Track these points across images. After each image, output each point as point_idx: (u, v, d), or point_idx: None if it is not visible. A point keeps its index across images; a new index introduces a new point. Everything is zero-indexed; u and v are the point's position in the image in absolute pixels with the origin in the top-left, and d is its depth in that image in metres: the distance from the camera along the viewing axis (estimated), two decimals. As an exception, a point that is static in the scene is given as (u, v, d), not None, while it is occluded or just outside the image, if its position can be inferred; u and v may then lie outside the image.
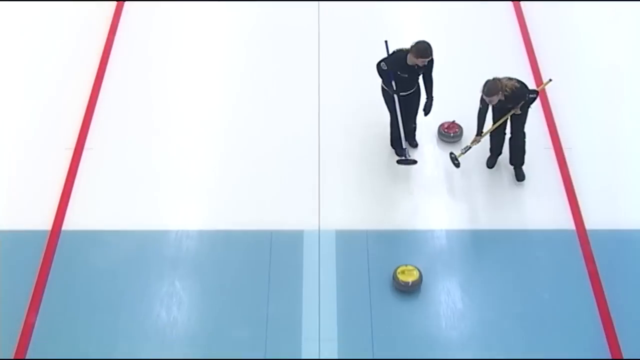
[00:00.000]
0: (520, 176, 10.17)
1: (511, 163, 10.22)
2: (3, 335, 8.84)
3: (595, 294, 9.17)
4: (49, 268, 9.40)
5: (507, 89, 9.50)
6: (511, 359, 8.62)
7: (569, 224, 9.81)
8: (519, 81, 9.63)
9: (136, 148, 10.65)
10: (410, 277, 9.20)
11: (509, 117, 9.87)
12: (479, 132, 9.88)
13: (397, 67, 9.74)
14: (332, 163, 10.46)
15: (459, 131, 10.57)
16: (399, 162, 10.27)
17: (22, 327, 8.90)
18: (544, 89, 10.64)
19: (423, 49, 9.55)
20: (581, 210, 9.93)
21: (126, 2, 12.47)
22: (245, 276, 9.39)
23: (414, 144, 10.44)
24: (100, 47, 11.83)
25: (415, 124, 10.28)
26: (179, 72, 11.58)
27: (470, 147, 9.97)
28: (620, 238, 9.72)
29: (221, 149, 10.67)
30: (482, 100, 9.67)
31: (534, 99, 9.80)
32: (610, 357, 8.71)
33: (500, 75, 9.59)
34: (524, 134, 10.01)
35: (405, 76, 9.78)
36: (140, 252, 9.61)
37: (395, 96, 9.91)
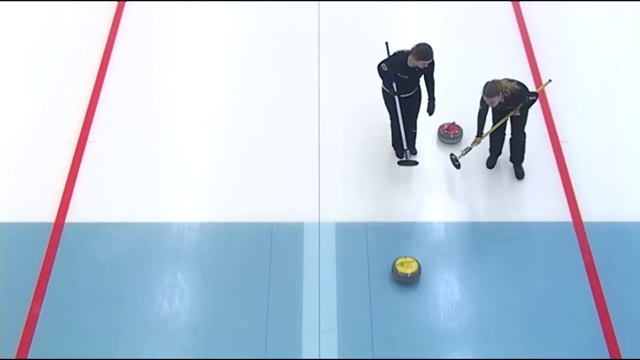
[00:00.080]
0: (520, 174, 10.23)
1: (511, 160, 10.27)
2: (8, 326, 8.89)
3: (591, 285, 9.23)
4: (53, 260, 9.46)
5: (507, 91, 9.50)
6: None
7: (566, 217, 9.87)
8: (519, 83, 9.64)
9: (138, 142, 10.71)
10: (409, 269, 9.26)
11: (509, 118, 9.90)
12: (479, 133, 9.89)
13: (397, 68, 9.73)
14: (332, 157, 10.51)
15: (459, 132, 10.56)
16: (400, 163, 10.29)
17: (26, 318, 8.95)
18: (543, 90, 10.65)
19: (424, 51, 9.54)
20: (578, 202, 9.98)
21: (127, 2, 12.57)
22: (246, 268, 9.44)
23: (413, 151, 10.40)
24: (103, 43, 11.88)
25: (415, 129, 10.24)
26: (180, 68, 11.63)
27: (470, 148, 9.98)
28: (616, 230, 9.77)
29: (222, 144, 10.72)
30: (482, 101, 9.68)
31: (533, 101, 9.82)
32: (606, 348, 8.77)
33: (500, 76, 9.61)
34: (524, 134, 10.05)
35: (406, 78, 9.77)
36: (142, 244, 9.65)
37: (396, 98, 9.92)
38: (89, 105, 11.07)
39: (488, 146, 10.26)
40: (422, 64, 9.62)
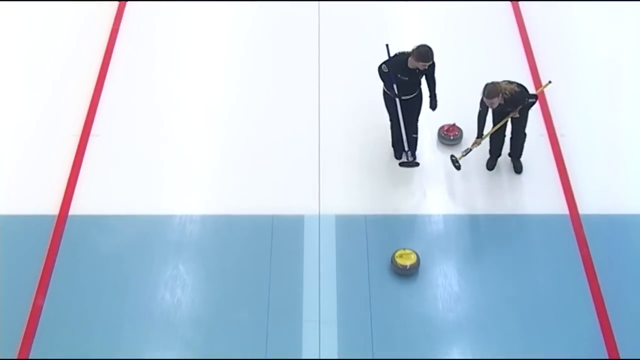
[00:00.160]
0: (518, 168, 10.29)
1: (509, 155, 10.32)
2: (12, 317, 8.97)
3: (588, 276, 9.30)
4: (56, 252, 9.54)
5: (507, 93, 9.48)
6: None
7: (563, 209, 9.94)
8: (518, 85, 9.63)
9: (141, 135, 10.79)
10: (408, 261, 9.33)
11: (510, 120, 9.91)
12: (480, 135, 9.90)
13: (397, 69, 9.71)
14: (332, 151, 10.58)
15: (459, 134, 10.55)
16: (401, 164, 10.33)
17: (30, 309, 9.02)
18: (542, 91, 10.64)
19: (424, 53, 9.52)
20: (575, 195, 10.05)
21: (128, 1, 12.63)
22: (247, 260, 9.51)
23: (413, 157, 10.38)
24: (105, 39, 11.96)
25: (416, 133, 10.23)
26: (181, 65, 11.69)
27: (470, 150, 9.99)
28: (613, 222, 9.84)
29: (224, 138, 10.79)
30: (482, 103, 9.68)
31: (532, 103, 9.80)
32: (603, 339, 8.84)
33: (500, 76, 9.63)
34: (524, 134, 10.09)
35: (406, 79, 9.75)
36: (145, 236, 9.73)
37: (397, 100, 9.91)
38: (92, 100, 11.15)
39: (488, 147, 10.29)
40: (422, 66, 9.60)
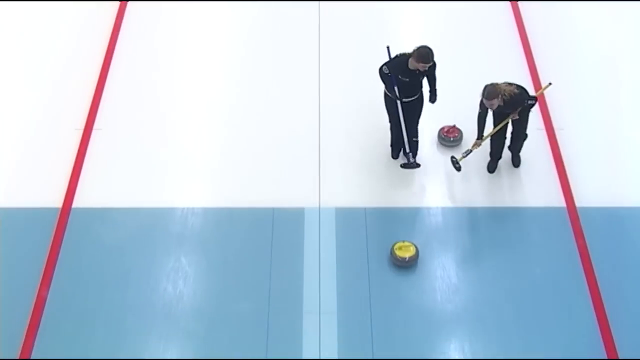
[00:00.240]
0: (516, 162, 10.34)
1: (509, 148, 10.34)
2: (17, 309, 9.05)
3: (584, 267, 9.39)
4: (60, 244, 9.62)
5: (506, 94, 9.46)
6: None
7: (560, 202, 10.01)
8: (518, 87, 9.60)
9: (143, 129, 10.86)
10: (407, 253, 9.41)
11: (510, 121, 9.91)
12: (480, 136, 9.89)
13: (398, 71, 9.69)
14: (332, 144, 10.65)
15: (459, 135, 10.56)
16: (402, 166, 10.35)
17: (34, 301, 9.11)
18: (542, 93, 10.62)
19: (424, 54, 9.50)
20: (572, 188, 10.12)
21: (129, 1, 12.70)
22: (248, 252, 9.59)
23: (414, 160, 10.37)
24: (107, 36, 12.03)
25: (417, 137, 10.22)
26: (183, 63, 11.75)
27: (471, 151, 10.00)
28: (609, 215, 9.92)
29: (225, 133, 10.85)
30: (481, 104, 9.67)
31: (532, 105, 9.78)
32: (598, 329, 8.92)
33: (500, 77, 9.63)
34: (525, 135, 10.14)
35: (407, 80, 9.73)
36: (147, 229, 9.80)
37: (398, 102, 9.91)
38: (95, 94, 11.23)
39: (489, 150, 10.29)
40: (422, 67, 9.59)
